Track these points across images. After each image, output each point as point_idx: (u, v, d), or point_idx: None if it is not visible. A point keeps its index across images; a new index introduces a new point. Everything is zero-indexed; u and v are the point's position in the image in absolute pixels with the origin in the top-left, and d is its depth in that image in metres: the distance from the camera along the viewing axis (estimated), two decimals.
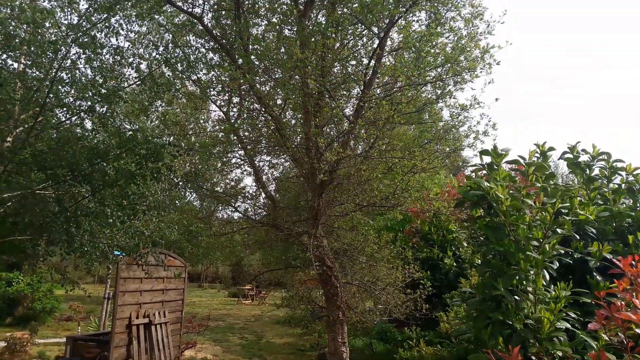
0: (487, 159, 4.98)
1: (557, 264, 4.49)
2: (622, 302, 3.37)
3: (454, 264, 10.74)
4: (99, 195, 7.09)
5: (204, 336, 16.13)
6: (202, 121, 9.79)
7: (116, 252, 8.35)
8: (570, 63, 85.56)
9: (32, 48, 5.81)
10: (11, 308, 16.84)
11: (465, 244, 11.12)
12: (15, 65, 6.99)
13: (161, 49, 6.77)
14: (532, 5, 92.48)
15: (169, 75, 7.45)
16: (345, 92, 7.06)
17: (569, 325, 4.17)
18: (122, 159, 7.01)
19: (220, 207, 9.22)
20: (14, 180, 7.20)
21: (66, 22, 6.38)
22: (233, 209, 8.50)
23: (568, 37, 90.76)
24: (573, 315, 4.35)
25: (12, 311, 16.79)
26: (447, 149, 9.18)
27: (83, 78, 6.53)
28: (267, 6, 8.06)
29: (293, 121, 7.69)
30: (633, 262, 3.53)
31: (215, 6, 7.57)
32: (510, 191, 4.52)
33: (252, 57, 6.05)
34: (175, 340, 11.67)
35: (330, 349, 6.89)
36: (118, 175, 6.93)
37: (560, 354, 3.96)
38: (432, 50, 6.85)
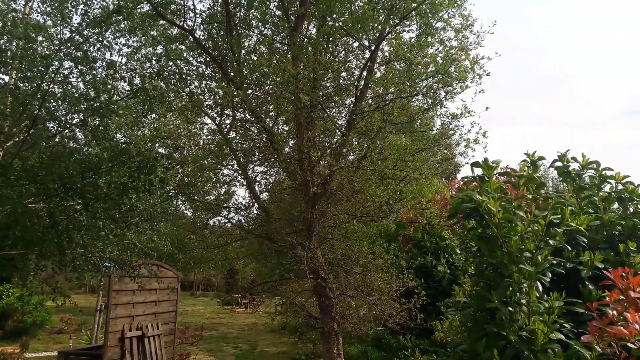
0: (478, 171, 5.02)
1: (550, 275, 4.54)
2: (615, 313, 3.42)
3: (448, 271, 10.78)
4: (91, 209, 7.06)
5: (198, 347, 16.04)
6: (194, 131, 9.80)
7: (107, 264, 8.31)
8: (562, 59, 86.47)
9: (24, 63, 5.80)
10: (1, 322, 16.63)
11: (458, 251, 11.16)
12: (7, 78, 6.97)
13: (154, 61, 6.78)
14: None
15: (162, 86, 7.46)
16: (337, 104, 7.11)
17: (562, 337, 4.20)
18: (114, 171, 6.99)
19: (212, 218, 9.21)
20: (4, 193, 7.15)
21: (59, 36, 6.37)
22: (226, 220, 8.50)
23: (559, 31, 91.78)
24: (567, 326, 4.38)
25: (2, 325, 16.59)
26: (439, 157, 9.26)
27: (75, 92, 6.52)
28: (259, 17, 8.10)
29: (285, 132, 7.72)
30: (624, 273, 3.58)
31: (208, 19, 7.59)
32: (502, 203, 4.56)
33: (244, 71, 6.07)
34: (168, 352, 11.59)
35: None
36: (110, 189, 6.90)
37: None
38: (423, 61, 6.91)
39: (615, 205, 6.15)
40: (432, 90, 7.00)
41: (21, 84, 6.73)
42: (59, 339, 16.82)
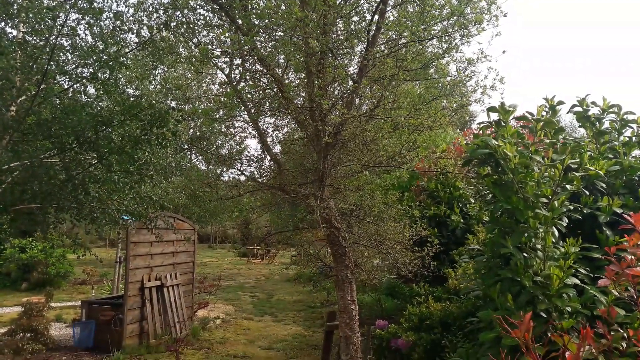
0: (494, 116, 4.90)
1: (567, 220, 4.48)
2: (633, 257, 3.37)
3: (461, 220, 10.76)
4: (106, 162, 7.11)
5: (216, 296, 16.49)
6: (204, 85, 9.67)
7: (125, 217, 8.44)
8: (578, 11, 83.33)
9: (31, 15, 5.70)
10: (26, 273, 17.21)
11: (473, 201, 11.11)
12: (15, 32, 6.88)
13: (161, 12, 6.64)
14: None
15: (170, 38, 7.32)
16: (348, 50, 6.91)
17: (578, 281, 4.19)
18: (126, 125, 6.99)
19: (226, 171, 9.22)
20: (20, 149, 7.21)
21: None
22: (239, 173, 8.50)
23: None
24: (582, 271, 4.37)
25: (27, 277, 17.17)
26: (454, 105, 9.06)
27: (84, 44, 6.43)
28: None
29: (296, 82, 7.56)
30: None
31: None
32: (519, 148, 4.46)
33: (252, 17, 5.89)
34: (187, 301, 11.93)
35: (339, 306, 6.99)
36: (124, 142, 6.92)
37: (569, 309, 4.00)
38: (437, 3, 6.64)
39: (637, 151, 6.01)
40: (447, 34, 6.75)
41: (29, 38, 6.64)
42: (82, 290, 17.42)
